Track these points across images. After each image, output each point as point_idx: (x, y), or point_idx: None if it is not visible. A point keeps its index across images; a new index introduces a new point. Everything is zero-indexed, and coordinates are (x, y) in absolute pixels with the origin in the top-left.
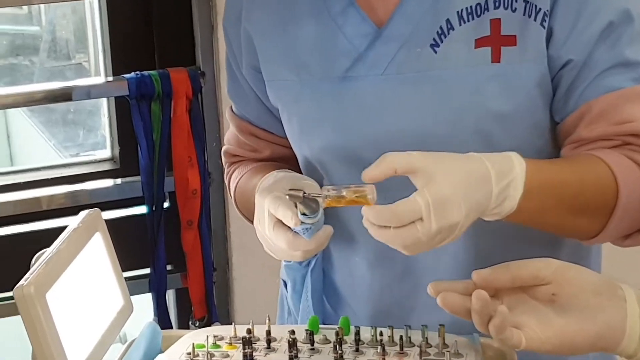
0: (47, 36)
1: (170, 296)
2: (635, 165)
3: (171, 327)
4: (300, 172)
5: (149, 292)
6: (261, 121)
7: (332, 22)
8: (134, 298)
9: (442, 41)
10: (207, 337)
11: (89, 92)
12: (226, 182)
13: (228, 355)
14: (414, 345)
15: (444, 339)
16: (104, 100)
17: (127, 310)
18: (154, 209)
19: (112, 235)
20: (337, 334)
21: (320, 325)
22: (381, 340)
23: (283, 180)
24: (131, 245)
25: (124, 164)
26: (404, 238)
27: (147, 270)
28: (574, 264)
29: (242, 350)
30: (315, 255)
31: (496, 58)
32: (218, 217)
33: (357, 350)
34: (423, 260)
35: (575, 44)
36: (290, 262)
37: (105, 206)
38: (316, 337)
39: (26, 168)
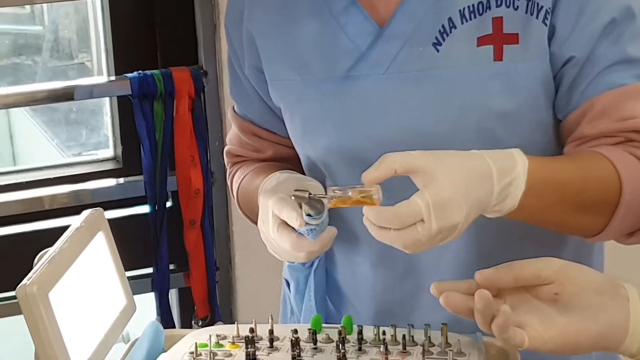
0: (50, 36)
1: (173, 295)
2: (638, 161)
3: (174, 327)
4: (303, 172)
5: (152, 291)
6: (263, 121)
7: (333, 21)
8: (136, 297)
9: (444, 40)
10: (210, 336)
11: (92, 92)
12: (228, 182)
13: (231, 355)
14: (417, 344)
15: (446, 338)
16: (107, 100)
17: (129, 310)
18: (156, 208)
19: (115, 234)
20: (339, 333)
21: (323, 324)
22: (384, 339)
23: (287, 181)
24: (134, 245)
25: (126, 163)
26: (404, 239)
27: (149, 270)
28: (576, 263)
29: (244, 350)
30: (319, 256)
31: (498, 56)
32: (221, 217)
33: (359, 349)
34: (425, 260)
35: (578, 40)
36: (294, 262)
37: (107, 205)
38: (319, 336)
39: (29, 167)
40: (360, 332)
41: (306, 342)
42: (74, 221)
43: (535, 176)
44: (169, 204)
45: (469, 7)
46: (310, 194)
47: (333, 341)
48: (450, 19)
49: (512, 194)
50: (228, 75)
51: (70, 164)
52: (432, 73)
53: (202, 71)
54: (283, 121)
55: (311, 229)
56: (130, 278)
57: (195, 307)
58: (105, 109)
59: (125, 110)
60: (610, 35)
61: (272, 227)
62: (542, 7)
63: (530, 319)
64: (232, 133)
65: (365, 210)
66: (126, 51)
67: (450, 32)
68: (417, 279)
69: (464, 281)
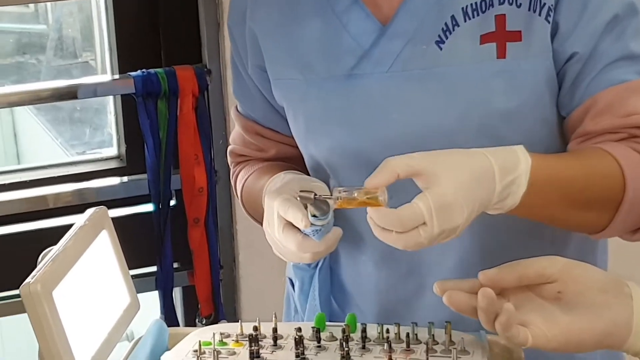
0: (54, 34)
1: (177, 294)
2: None
3: (178, 325)
4: (306, 171)
5: (156, 289)
6: (267, 120)
7: (336, 20)
8: (140, 296)
9: (447, 38)
10: (214, 334)
11: (95, 90)
12: (232, 182)
13: (234, 353)
14: (421, 343)
15: (450, 336)
16: (111, 98)
17: (133, 308)
18: (160, 206)
19: (119, 233)
20: (343, 331)
21: (327, 323)
22: (388, 337)
23: (291, 182)
24: (138, 243)
25: (130, 161)
26: (406, 242)
27: (153, 268)
28: (580, 261)
29: (248, 348)
30: (324, 256)
31: (501, 54)
32: (225, 215)
33: (363, 347)
34: (429, 259)
35: (580, 36)
36: (299, 263)
37: (111, 204)
38: (323, 335)
39: (33, 166)
40: (364, 331)
41: (310, 340)
42: (78, 219)
43: (538, 174)
44: (172, 202)
45: (471, 4)
46: (315, 194)
47: (337, 339)
48: (453, 17)
49: (513, 193)
50: (231, 74)
51: (74, 162)
52: (435, 71)
53: (205, 70)
54: (286, 120)
55: (316, 230)
56: (134, 276)
57: (199, 306)
58: (109, 108)
59: (129, 108)
60: (613, 31)
61: (277, 228)
62: (544, 4)
63: (534, 318)
64: (236, 132)
65: (370, 211)
66: (130, 50)
67: (453, 30)
68: (420, 278)
69: (467, 280)
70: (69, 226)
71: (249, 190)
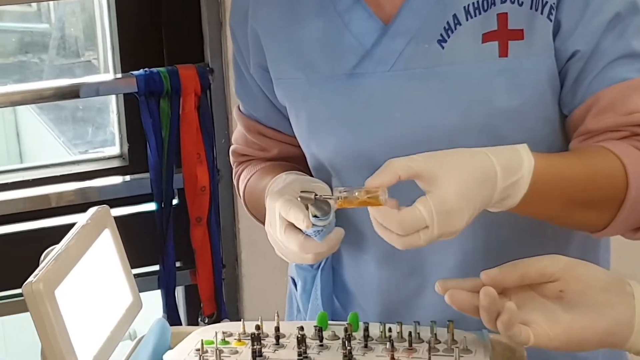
0: (56, 34)
1: (179, 293)
2: None
3: (180, 324)
4: (309, 171)
5: (158, 288)
6: (269, 120)
7: (338, 19)
8: (143, 295)
9: (449, 36)
10: (216, 333)
11: (98, 89)
12: (234, 182)
13: (237, 352)
14: (423, 342)
15: (452, 335)
16: (113, 97)
17: (136, 307)
18: (162, 205)
19: (121, 232)
20: (345, 330)
21: (329, 322)
22: (390, 336)
23: (293, 183)
24: (140, 242)
25: (132, 161)
26: (405, 243)
27: (156, 267)
28: (582, 260)
29: (250, 347)
30: (327, 257)
31: (504, 52)
32: (227, 214)
33: (365, 346)
34: (431, 259)
35: (582, 34)
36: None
37: (114, 203)
38: (325, 334)
39: (35, 165)
40: (366, 329)
41: (312, 339)
42: (80, 218)
43: (540, 175)
44: (175, 201)
45: (473, 3)
46: (316, 195)
47: (339, 338)
48: (455, 16)
49: (513, 195)
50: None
51: (77, 161)
52: (438, 70)
53: (208, 68)
54: (289, 120)
55: (318, 231)
56: (136, 275)
57: (201, 305)
58: (112, 107)
59: (132, 107)
60: (614, 29)
61: (279, 229)
62: (546, 2)
63: (536, 317)
64: (238, 132)
65: (371, 210)
66: (132, 49)
67: (455, 28)
68: (422, 278)
69: (469, 279)
70: (72, 225)
71: (251, 191)
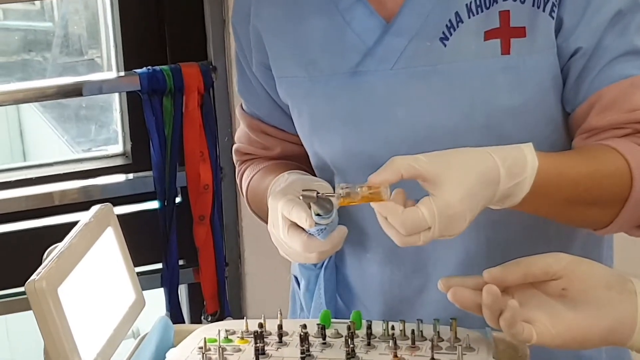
0: (60, 32)
1: (182, 291)
2: None
3: (183, 322)
4: (312, 170)
5: (161, 287)
6: (272, 118)
7: (340, 17)
8: (146, 293)
9: (451, 34)
10: (219, 331)
11: (101, 87)
12: (237, 180)
13: (240, 350)
14: (426, 339)
15: (455, 332)
16: (116, 96)
17: (139, 305)
18: (166, 204)
19: (124, 230)
20: (348, 328)
21: (332, 320)
22: (393, 334)
23: (295, 182)
24: (143, 240)
25: (136, 159)
26: (405, 242)
27: (159, 265)
28: (585, 258)
29: (253, 345)
30: (330, 255)
31: (506, 50)
32: (230, 212)
33: (368, 344)
34: (434, 257)
35: (584, 32)
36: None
37: (117, 201)
38: (328, 332)
39: (39, 163)
40: (369, 327)
41: (315, 337)
42: (83, 217)
43: (543, 175)
44: (178, 199)
45: (475, 1)
46: (318, 193)
47: (342, 336)
48: (457, 14)
49: (515, 194)
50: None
51: (80, 159)
52: (440, 68)
53: (211, 67)
54: (291, 118)
55: (321, 229)
56: (139, 273)
57: (204, 303)
58: (115, 105)
59: (135, 106)
60: (616, 26)
61: (282, 229)
62: (548, 0)
63: (539, 315)
64: (241, 131)
65: (375, 205)
66: (135, 47)
67: (457, 26)
68: (425, 276)
69: (471, 277)
70: (75, 223)
71: (254, 190)
